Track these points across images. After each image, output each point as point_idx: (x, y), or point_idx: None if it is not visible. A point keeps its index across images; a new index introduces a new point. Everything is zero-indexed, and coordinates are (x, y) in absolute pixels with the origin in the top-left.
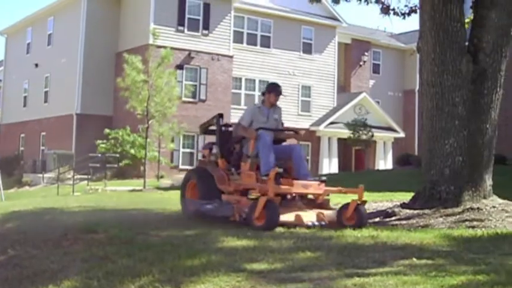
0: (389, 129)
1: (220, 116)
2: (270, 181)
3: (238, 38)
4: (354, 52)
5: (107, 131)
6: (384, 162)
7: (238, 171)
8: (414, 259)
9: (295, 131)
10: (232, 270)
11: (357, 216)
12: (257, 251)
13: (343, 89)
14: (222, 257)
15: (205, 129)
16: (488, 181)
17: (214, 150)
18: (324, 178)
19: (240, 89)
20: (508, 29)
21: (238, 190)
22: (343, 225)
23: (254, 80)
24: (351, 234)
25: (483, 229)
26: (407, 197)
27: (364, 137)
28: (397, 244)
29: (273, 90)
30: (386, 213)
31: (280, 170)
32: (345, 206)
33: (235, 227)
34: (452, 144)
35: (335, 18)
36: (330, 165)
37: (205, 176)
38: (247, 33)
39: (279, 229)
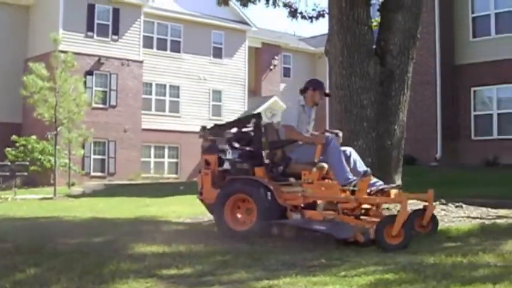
0: None
1: (259, 116)
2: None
3: (148, 43)
4: (264, 56)
5: (15, 138)
6: None
7: (299, 181)
8: (323, 260)
9: (336, 134)
10: (141, 276)
11: (433, 224)
12: (167, 256)
13: (254, 93)
14: (132, 264)
15: (217, 131)
16: (398, 182)
17: (230, 155)
18: (399, 184)
19: (150, 94)
20: (414, 31)
21: (307, 203)
22: (416, 232)
23: (165, 85)
24: (260, 238)
25: None
26: None
27: None
28: (306, 246)
29: (319, 87)
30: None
31: (372, 179)
32: (417, 213)
33: (145, 234)
34: (361, 146)
35: (245, 23)
36: None
37: (260, 188)
38: (157, 38)
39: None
